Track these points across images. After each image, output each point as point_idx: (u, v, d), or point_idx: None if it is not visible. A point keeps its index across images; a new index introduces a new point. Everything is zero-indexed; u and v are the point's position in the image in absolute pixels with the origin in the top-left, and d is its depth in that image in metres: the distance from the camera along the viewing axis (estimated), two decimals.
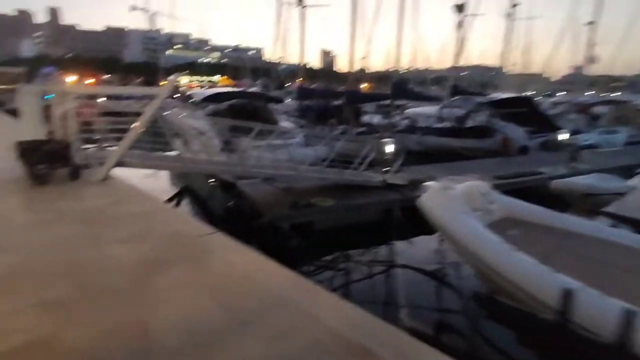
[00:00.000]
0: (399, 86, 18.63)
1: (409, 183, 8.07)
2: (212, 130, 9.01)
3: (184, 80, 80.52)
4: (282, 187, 7.92)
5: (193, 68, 79.46)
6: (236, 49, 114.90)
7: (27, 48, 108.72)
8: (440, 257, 6.46)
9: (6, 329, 2.16)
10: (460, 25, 22.36)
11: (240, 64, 57.42)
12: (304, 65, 31.32)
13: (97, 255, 3.16)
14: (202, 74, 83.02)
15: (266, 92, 24.55)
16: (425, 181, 6.71)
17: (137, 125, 5.67)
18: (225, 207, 8.75)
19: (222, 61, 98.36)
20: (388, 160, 8.52)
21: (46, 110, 6.28)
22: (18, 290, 2.59)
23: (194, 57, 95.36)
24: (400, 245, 7.05)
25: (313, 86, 24.40)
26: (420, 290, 5.57)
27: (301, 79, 29.99)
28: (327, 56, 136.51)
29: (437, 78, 43.30)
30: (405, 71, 35.80)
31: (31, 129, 7.47)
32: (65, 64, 79.84)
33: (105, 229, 3.75)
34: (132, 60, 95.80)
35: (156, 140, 6.94)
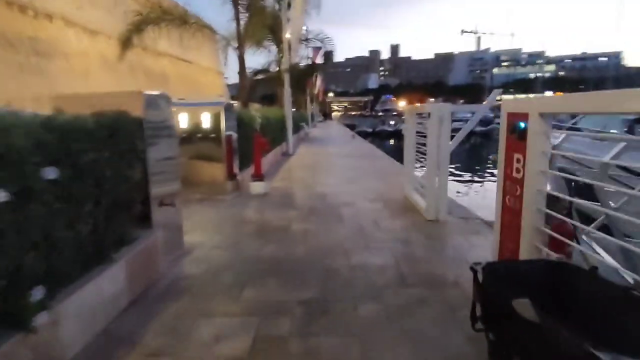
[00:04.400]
0: None
1: None
2: None
3: (506, 99, 75.82)
4: None
5: (523, 85, 71.58)
6: (579, 58, 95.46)
7: (373, 81, 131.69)
8: None
9: None
10: None
11: (584, 75, 46.02)
12: None
13: None
14: (531, 91, 74.28)
15: None
16: None
17: None
18: None
19: (559, 74, 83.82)
20: None
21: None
22: None
23: (524, 73, 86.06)
24: None
25: None
26: None
27: None
28: None
29: None
30: None
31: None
32: (399, 91, 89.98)
33: None
34: (457, 82, 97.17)
35: None
